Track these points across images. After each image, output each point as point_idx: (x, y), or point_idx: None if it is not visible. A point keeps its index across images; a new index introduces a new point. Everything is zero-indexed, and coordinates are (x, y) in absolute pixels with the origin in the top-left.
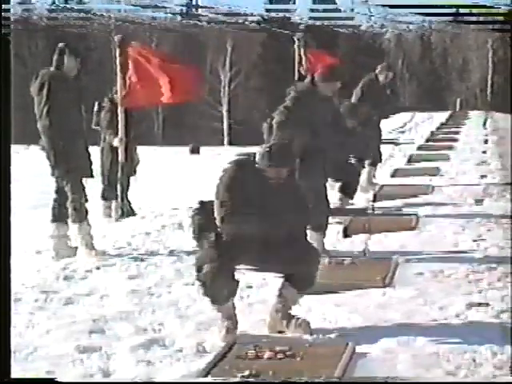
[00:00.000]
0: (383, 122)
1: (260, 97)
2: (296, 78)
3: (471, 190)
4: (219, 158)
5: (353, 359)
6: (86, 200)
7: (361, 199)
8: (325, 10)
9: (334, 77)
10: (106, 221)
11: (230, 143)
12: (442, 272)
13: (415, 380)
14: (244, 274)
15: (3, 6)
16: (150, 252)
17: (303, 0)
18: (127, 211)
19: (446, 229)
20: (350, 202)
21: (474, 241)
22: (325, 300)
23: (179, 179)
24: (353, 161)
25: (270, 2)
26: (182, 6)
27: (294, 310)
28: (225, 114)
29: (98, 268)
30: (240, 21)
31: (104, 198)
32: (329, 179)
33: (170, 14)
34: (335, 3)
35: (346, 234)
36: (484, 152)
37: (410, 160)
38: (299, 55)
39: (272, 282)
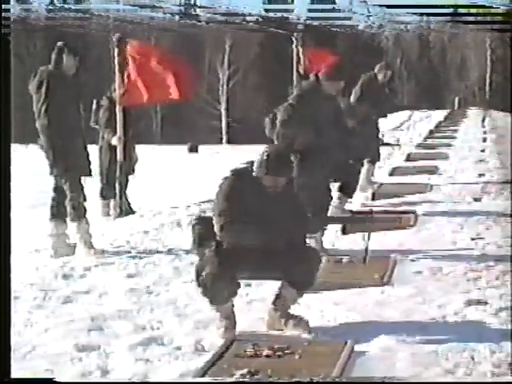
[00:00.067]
0: (382, 121)
1: (258, 95)
2: (294, 76)
3: (470, 189)
4: (218, 156)
5: (351, 357)
6: (85, 198)
7: (359, 197)
8: (323, 10)
9: (339, 76)
10: (104, 219)
11: (229, 141)
12: (441, 270)
13: (413, 380)
14: None
15: (3, 6)
16: (149, 250)
17: (301, 0)
18: (126, 210)
19: (445, 227)
20: (349, 200)
21: (473, 239)
22: (323, 298)
23: (178, 178)
24: (352, 160)
25: (269, 2)
26: (181, 5)
27: (293, 309)
28: (223, 112)
29: (96, 266)
30: (238, 21)
31: (103, 196)
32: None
33: (168, 15)
34: (334, 3)
35: (344, 232)
36: (482, 150)
37: (409, 158)
38: (297, 54)
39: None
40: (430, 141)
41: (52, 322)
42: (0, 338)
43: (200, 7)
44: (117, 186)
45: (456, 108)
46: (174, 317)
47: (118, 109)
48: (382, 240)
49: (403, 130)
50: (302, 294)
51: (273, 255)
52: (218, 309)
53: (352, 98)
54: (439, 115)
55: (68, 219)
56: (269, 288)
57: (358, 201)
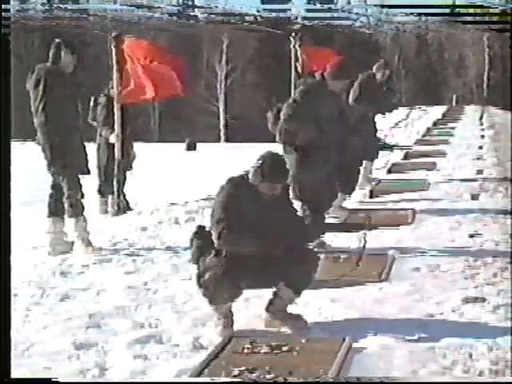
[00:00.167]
0: (380, 120)
1: (256, 92)
2: (293, 73)
3: (467, 186)
4: (216, 153)
5: (349, 354)
6: (83, 195)
7: (357, 195)
8: (321, 10)
9: (344, 75)
10: (102, 216)
11: (227, 139)
12: (439, 267)
13: (411, 378)
14: None
15: (3, 6)
16: (147, 247)
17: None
18: (124, 207)
19: (442, 224)
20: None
21: (471, 236)
22: (321, 295)
23: (176, 175)
24: (352, 159)
25: (267, 2)
26: (178, 5)
27: (290, 307)
28: (221, 109)
29: (94, 263)
30: (235, 21)
31: (100, 193)
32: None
33: (165, 15)
34: (333, 3)
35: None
36: (480, 147)
37: (407, 155)
38: (295, 53)
39: None
40: (427, 138)
41: (50, 319)
42: (0, 338)
43: (197, 7)
44: (115, 183)
45: (454, 105)
46: (172, 314)
47: (115, 106)
48: (379, 237)
49: (401, 127)
50: (300, 294)
51: (271, 261)
52: (216, 308)
53: (350, 98)
54: (437, 112)
55: (66, 216)
56: None
57: (356, 198)
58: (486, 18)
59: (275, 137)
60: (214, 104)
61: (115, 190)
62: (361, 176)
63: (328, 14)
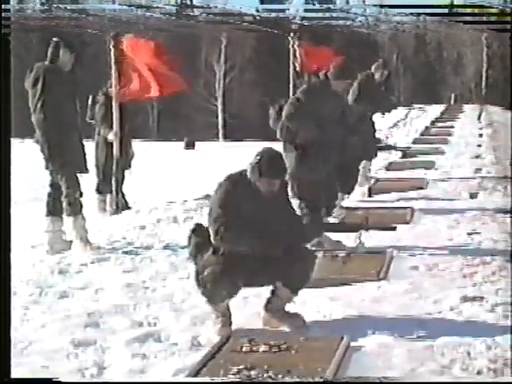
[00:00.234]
0: (380, 120)
1: (255, 91)
2: (291, 72)
3: (466, 184)
4: (214, 152)
5: (347, 353)
6: (81, 194)
7: (356, 193)
8: (319, 10)
9: (347, 75)
10: (100, 215)
11: (225, 137)
12: (437, 266)
13: (410, 377)
14: None
15: (3, 6)
16: (145, 246)
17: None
18: (122, 205)
19: (441, 223)
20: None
21: (469, 234)
22: (319, 294)
23: (174, 173)
24: (351, 159)
25: (265, 2)
26: (177, 5)
27: (289, 306)
28: (220, 108)
29: (92, 262)
30: (234, 21)
31: (99, 191)
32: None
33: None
34: (332, 2)
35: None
36: (479, 146)
37: (405, 154)
38: (294, 53)
39: None
40: (426, 136)
41: (48, 317)
42: (0, 338)
43: (196, 7)
44: (113, 181)
45: (452, 103)
46: (171, 312)
47: (114, 104)
48: (378, 235)
49: (399, 126)
50: (297, 293)
51: (268, 259)
52: (214, 307)
53: (350, 98)
54: (436, 111)
55: (64, 215)
56: None
57: (355, 196)
58: (484, 18)
59: (274, 135)
60: (212, 102)
61: (113, 188)
62: (360, 174)
63: (327, 14)
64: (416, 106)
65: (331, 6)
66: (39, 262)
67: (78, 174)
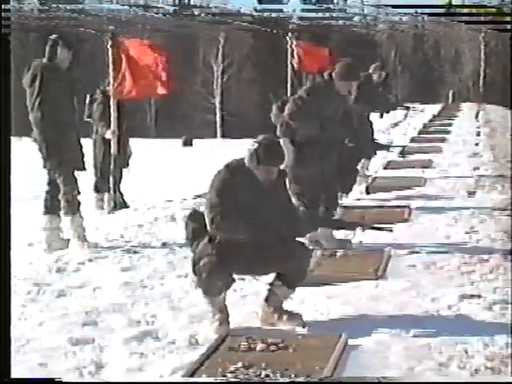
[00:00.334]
0: (378, 121)
1: (253, 89)
2: (289, 71)
3: (463, 182)
4: (212, 150)
5: (345, 351)
6: (79, 192)
7: (353, 191)
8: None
9: (352, 76)
10: (98, 213)
11: (223, 135)
12: (435, 264)
13: (408, 376)
14: None
15: (3, 6)
16: (143, 244)
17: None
18: (120, 203)
19: (439, 221)
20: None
21: (467, 233)
22: (317, 292)
23: (172, 171)
24: (350, 159)
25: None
26: (175, 5)
27: (286, 303)
28: (217, 106)
29: (90, 260)
30: (232, 20)
31: (96, 190)
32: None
33: (161, 15)
34: (330, 2)
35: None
36: (476, 144)
37: (403, 152)
38: (292, 53)
39: None
40: (424, 135)
41: (46, 315)
42: (0, 338)
43: (194, 7)
44: (111, 179)
45: (450, 102)
46: (169, 311)
47: (112, 102)
48: (375, 233)
49: (398, 125)
50: (295, 290)
51: (265, 247)
52: (210, 301)
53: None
54: (433, 109)
55: (62, 213)
56: (262, 282)
57: (353, 195)
58: (482, 18)
59: (274, 130)
60: (210, 100)
61: (111, 186)
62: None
63: (326, 14)
64: (411, 105)
65: (330, 5)
66: (37, 260)
67: (76, 172)
